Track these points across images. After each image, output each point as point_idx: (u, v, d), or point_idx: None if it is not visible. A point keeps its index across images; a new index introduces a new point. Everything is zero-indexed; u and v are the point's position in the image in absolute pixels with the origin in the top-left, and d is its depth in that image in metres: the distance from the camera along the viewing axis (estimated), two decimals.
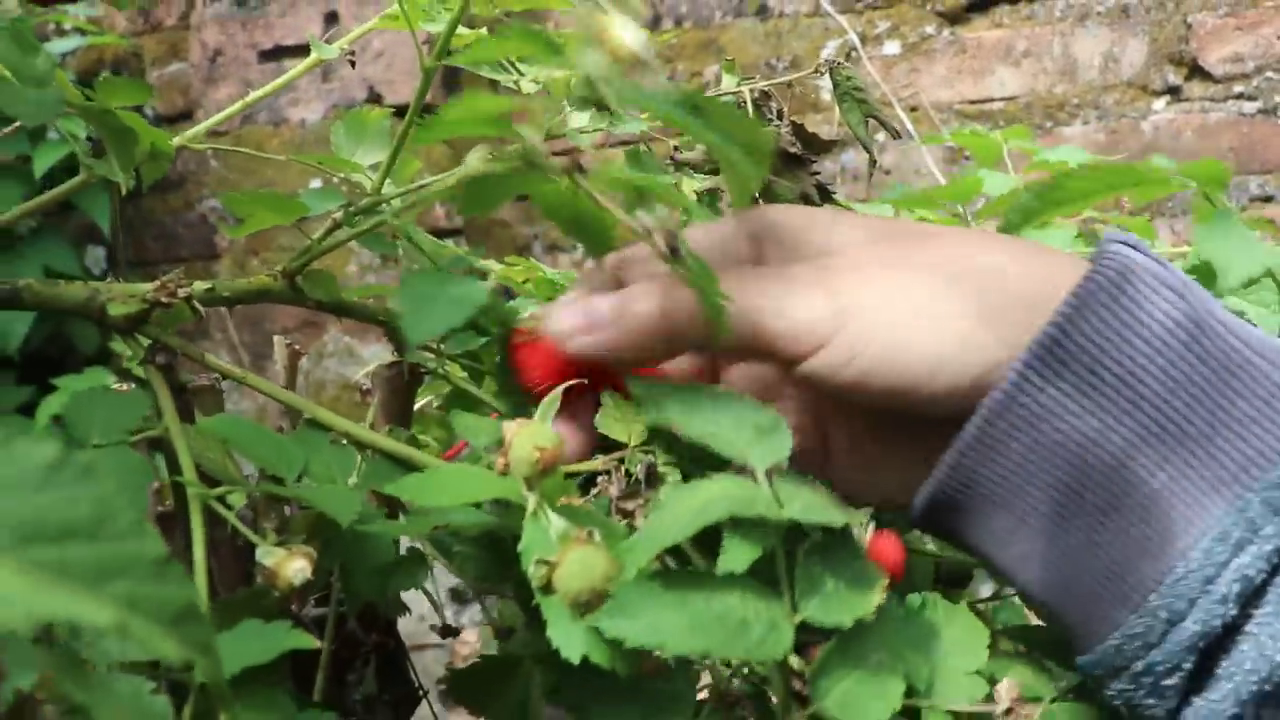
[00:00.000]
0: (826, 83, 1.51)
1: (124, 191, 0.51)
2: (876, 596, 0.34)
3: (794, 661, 0.33)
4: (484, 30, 0.55)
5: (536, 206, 0.41)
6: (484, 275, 0.54)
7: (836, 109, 1.50)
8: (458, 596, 1.60)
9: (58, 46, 1.82)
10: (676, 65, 1.60)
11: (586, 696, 0.35)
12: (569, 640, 0.32)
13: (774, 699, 0.34)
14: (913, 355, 0.36)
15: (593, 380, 0.39)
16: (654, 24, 1.61)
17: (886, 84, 1.49)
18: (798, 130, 0.57)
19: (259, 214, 0.50)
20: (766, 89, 0.58)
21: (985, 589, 0.59)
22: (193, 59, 1.82)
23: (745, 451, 0.34)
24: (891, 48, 1.50)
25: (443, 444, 0.59)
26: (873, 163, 0.57)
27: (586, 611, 0.32)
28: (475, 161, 0.37)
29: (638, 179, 0.36)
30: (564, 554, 0.32)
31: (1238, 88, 1.36)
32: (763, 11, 1.55)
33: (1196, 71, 1.38)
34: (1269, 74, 1.35)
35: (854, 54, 1.52)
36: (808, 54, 1.52)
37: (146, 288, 0.44)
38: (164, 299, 0.43)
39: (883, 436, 0.40)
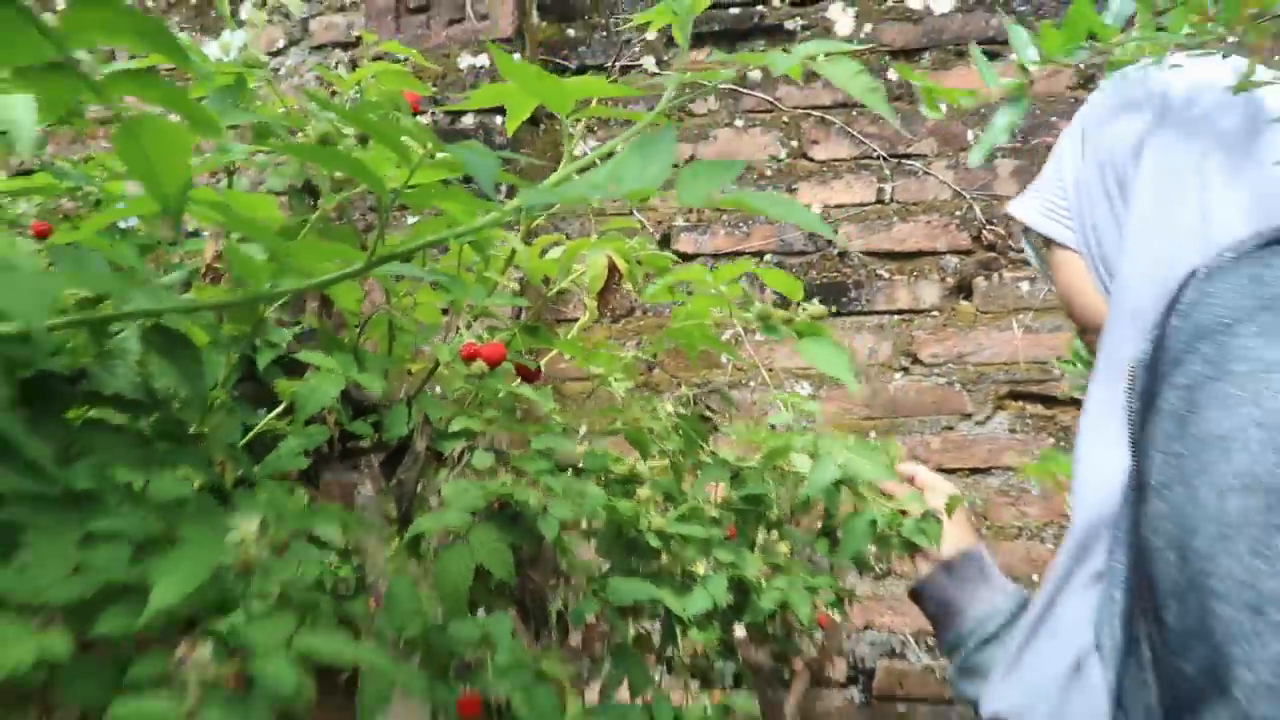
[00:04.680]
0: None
1: None
2: None
3: None
4: None
5: None
6: None
7: (729, 367, 2.85)
8: None
9: None
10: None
11: None
12: None
13: None
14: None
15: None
16: (628, 314, 2.84)
17: (758, 355, 2.72)
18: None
19: None
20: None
21: None
22: None
23: None
24: (759, 336, 2.74)
25: None
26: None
27: None
28: None
29: None
30: None
31: (936, 369, 2.63)
32: None
33: (917, 360, 2.64)
34: (949, 364, 2.61)
35: (740, 338, 2.76)
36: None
37: None
38: None
39: None
